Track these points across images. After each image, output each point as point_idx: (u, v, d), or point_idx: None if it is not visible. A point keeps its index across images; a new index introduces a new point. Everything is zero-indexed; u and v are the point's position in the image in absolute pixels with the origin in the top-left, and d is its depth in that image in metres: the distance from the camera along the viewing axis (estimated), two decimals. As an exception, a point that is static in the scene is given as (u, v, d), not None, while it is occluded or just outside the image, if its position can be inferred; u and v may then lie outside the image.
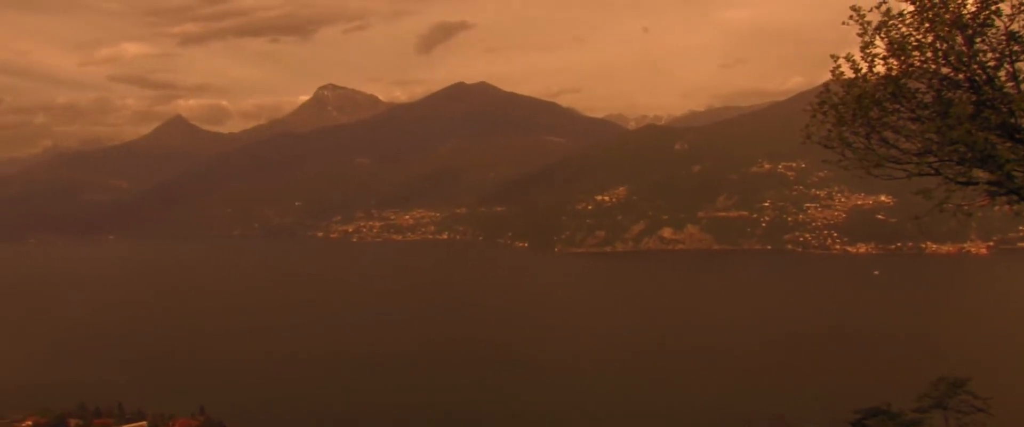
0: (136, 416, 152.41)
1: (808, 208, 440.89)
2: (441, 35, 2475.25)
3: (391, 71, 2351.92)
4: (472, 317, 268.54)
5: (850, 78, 14.04)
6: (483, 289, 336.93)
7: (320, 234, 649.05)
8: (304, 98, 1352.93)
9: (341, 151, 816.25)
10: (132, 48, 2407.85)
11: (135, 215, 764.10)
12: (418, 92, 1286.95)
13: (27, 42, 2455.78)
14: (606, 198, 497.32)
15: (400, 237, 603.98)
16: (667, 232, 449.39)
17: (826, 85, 14.52)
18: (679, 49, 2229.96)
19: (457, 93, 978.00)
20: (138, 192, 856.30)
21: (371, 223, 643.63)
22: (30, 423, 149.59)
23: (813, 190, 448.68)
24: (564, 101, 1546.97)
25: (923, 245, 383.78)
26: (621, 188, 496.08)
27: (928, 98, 13.58)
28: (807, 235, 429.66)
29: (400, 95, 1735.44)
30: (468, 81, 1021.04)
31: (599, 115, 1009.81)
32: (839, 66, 14.10)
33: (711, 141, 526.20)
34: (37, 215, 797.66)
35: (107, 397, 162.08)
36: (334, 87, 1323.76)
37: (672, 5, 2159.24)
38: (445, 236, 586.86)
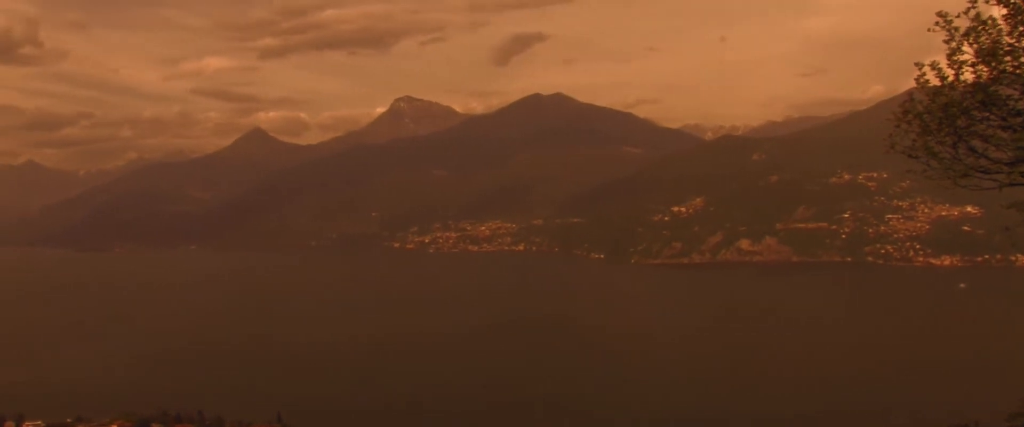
0: (215, 422, 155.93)
1: (890, 219, 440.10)
2: (517, 46, 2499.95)
3: (467, 83, 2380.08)
4: (558, 329, 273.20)
5: (936, 86, 14.25)
6: (566, 301, 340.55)
7: (396, 245, 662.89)
8: (381, 110, 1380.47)
9: (418, 162, 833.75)
10: (214, 62, 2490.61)
11: (216, 225, 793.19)
12: (494, 103, 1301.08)
13: (116, 58, 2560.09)
14: (683, 209, 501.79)
15: (476, 248, 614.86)
16: (745, 244, 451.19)
17: (910, 93, 14.86)
18: (757, 59, 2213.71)
19: (533, 104, 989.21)
20: (219, 203, 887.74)
21: (447, 234, 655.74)
22: (116, 426, 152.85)
23: (895, 201, 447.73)
24: (640, 112, 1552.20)
25: (1013, 258, 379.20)
26: (698, 199, 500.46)
27: (1021, 105, 13.69)
28: (889, 247, 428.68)
29: (476, 106, 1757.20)
30: (544, 92, 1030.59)
31: (675, 126, 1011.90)
32: (924, 74, 14.34)
33: (789, 151, 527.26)
34: (122, 225, 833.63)
35: (188, 403, 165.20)
36: (411, 99, 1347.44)
37: (750, 15, 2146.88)
38: (521, 247, 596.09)
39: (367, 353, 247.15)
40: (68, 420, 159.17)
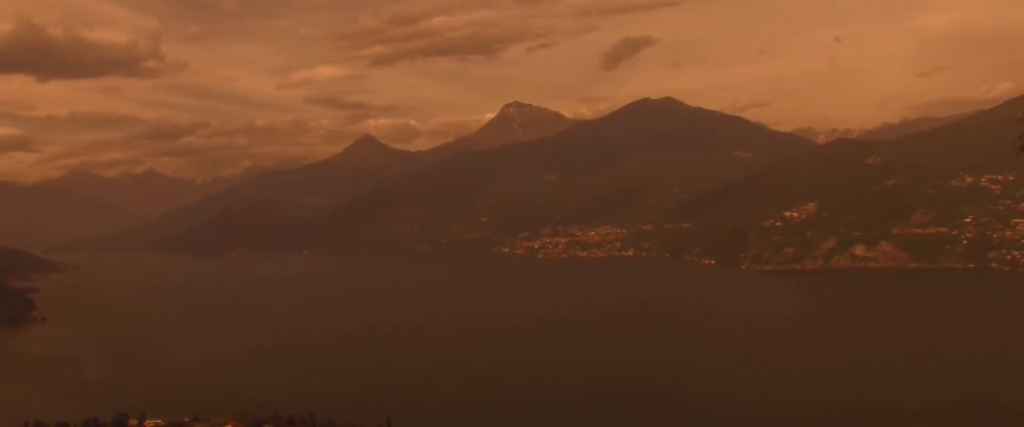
0: (326, 425, 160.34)
1: (1016, 223, 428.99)
2: (626, 51, 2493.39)
3: (576, 88, 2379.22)
4: (667, 329, 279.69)
5: None
6: (675, 304, 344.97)
7: (506, 250, 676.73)
8: (490, 116, 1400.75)
9: (527, 168, 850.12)
10: (326, 71, 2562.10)
11: (327, 231, 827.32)
12: (603, 108, 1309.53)
13: (232, 69, 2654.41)
14: (795, 214, 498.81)
15: (585, 254, 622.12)
16: (859, 249, 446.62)
17: None
18: (872, 59, 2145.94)
19: (642, 109, 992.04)
20: (330, 209, 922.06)
21: (557, 239, 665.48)
22: (230, 426, 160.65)
23: (1023, 204, 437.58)
24: (751, 115, 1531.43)
25: None
26: (810, 204, 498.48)
27: None
28: (1015, 253, 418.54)
29: (585, 112, 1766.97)
30: (653, 97, 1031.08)
31: (787, 129, 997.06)
32: None
33: (906, 154, 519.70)
34: (237, 231, 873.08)
35: (300, 405, 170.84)
36: (519, 105, 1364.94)
37: (864, 14, 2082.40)
38: (631, 253, 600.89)
39: (476, 351, 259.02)
40: (186, 419, 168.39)
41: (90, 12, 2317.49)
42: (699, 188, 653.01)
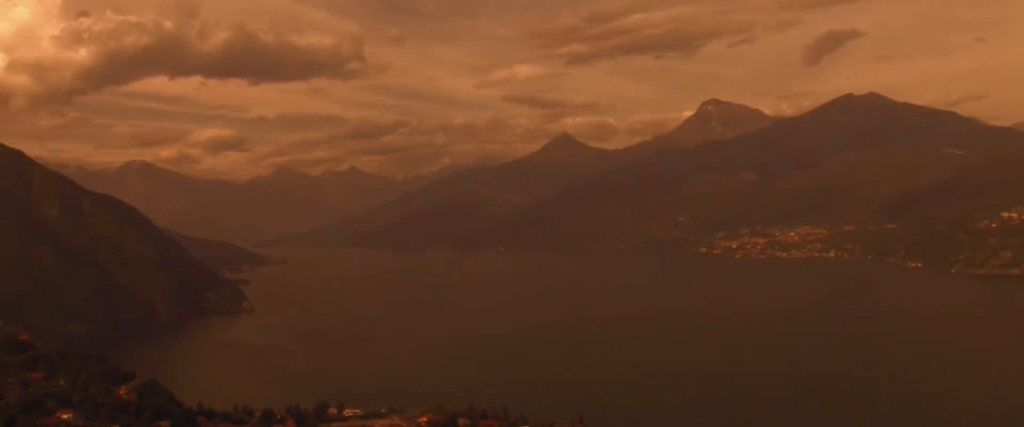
0: (520, 420, 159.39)
1: None
2: (829, 45, 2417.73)
3: (776, 84, 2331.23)
4: (878, 341, 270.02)
5: None
6: (882, 311, 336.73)
7: (703, 250, 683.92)
8: (688, 114, 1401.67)
9: (725, 166, 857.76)
10: (524, 70, 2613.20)
11: (524, 228, 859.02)
12: (805, 105, 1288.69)
13: (432, 69, 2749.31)
14: (1013, 215, 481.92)
15: (784, 254, 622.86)
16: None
17: None
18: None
19: (845, 105, 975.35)
20: (527, 206, 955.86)
21: (755, 240, 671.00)
22: (426, 419, 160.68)
23: None
24: (964, 110, 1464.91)
25: None
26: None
27: None
28: None
29: (786, 109, 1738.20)
30: (857, 92, 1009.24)
31: (1006, 123, 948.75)
32: None
33: None
34: (435, 227, 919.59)
35: (493, 400, 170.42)
36: (717, 102, 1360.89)
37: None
38: (832, 254, 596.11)
39: (672, 349, 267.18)
40: (383, 410, 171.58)
41: (298, 18, 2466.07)
42: (905, 187, 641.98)
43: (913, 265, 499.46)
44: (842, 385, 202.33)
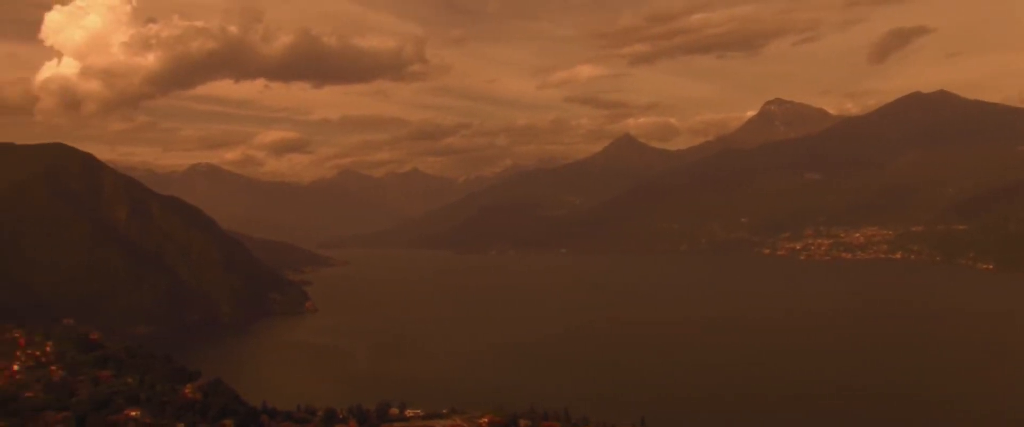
0: (581, 422, 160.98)
1: None
2: (896, 42, 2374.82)
3: (841, 83, 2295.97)
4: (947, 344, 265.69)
5: None
6: (950, 313, 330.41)
7: (767, 251, 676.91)
8: (751, 113, 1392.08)
9: (789, 166, 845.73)
10: (585, 70, 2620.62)
11: (586, 229, 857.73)
12: (870, 104, 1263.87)
13: (494, 71, 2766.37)
14: None
15: (850, 256, 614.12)
16: None
17: None
18: None
19: (913, 103, 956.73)
20: (589, 207, 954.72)
21: (820, 241, 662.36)
22: (487, 420, 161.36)
23: None
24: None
25: None
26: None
27: None
28: None
29: (851, 107, 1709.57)
30: (925, 90, 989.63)
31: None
32: None
33: None
34: (497, 228, 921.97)
35: (555, 401, 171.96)
36: (781, 101, 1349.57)
37: None
38: (898, 255, 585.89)
39: (733, 350, 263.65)
40: (444, 410, 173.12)
41: (360, 21, 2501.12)
42: (976, 187, 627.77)
43: (984, 267, 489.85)
44: (909, 390, 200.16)
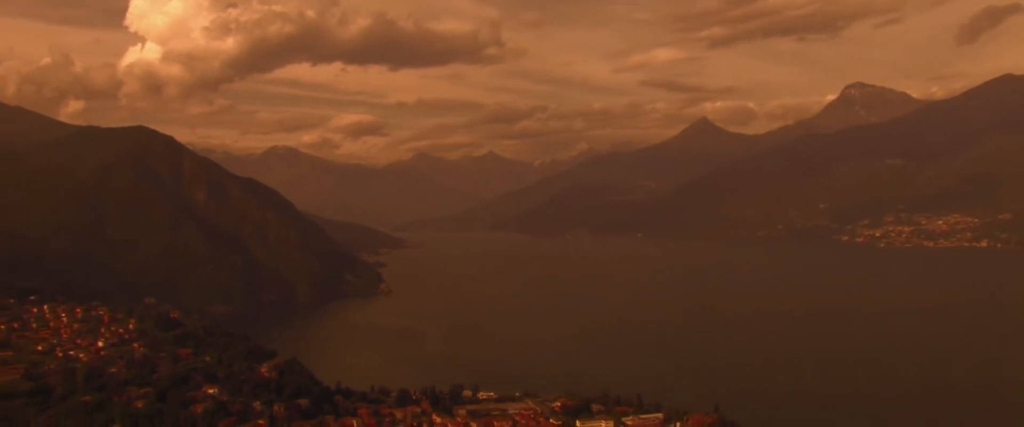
0: (653, 408, 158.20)
1: None
2: (987, 22, 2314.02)
3: (927, 65, 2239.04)
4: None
5: None
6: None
7: (845, 238, 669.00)
8: (831, 98, 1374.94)
9: (869, 152, 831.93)
10: (662, 54, 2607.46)
11: (661, 214, 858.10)
12: (958, 87, 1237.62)
13: (569, 54, 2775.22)
14: None
15: (932, 244, 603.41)
16: None
17: None
18: None
19: (1005, 86, 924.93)
20: (665, 192, 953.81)
21: (900, 228, 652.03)
22: (560, 404, 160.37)
23: None
24: None
25: None
26: None
27: None
28: None
29: (937, 91, 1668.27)
30: (1016, 72, 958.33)
31: None
32: None
33: None
34: (572, 212, 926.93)
35: (627, 387, 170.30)
36: (862, 85, 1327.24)
37: None
38: (985, 244, 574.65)
39: (807, 341, 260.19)
40: (517, 394, 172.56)
41: (436, 4, 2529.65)
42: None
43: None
44: (992, 387, 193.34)
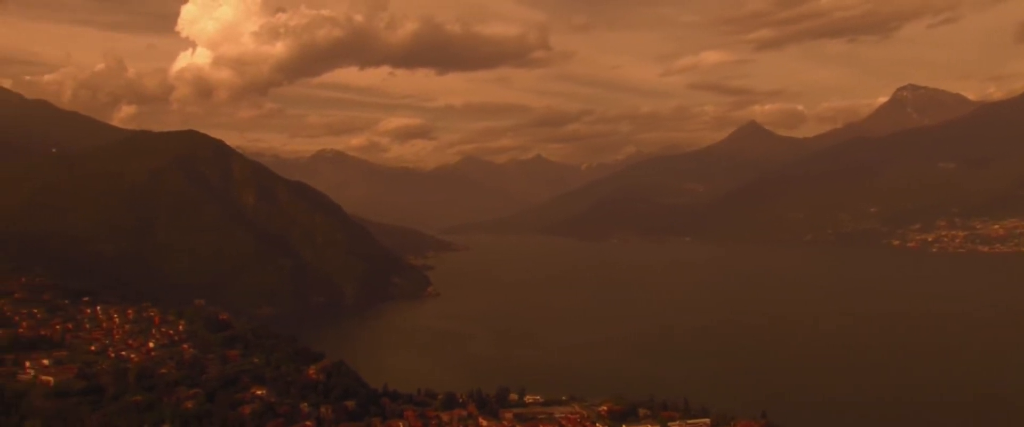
0: (700, 413, 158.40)
1: None
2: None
3: (983, 66, 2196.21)
4: None
5: None
6: None
7: (896, 242, 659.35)
8: (882, 100, 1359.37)
9: (921, 155, 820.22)
10: (710, 56, 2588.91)
11: (709, 218, 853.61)
12: (1016, 88, 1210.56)
13: (616, 57, 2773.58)
14: None
15: (987, 249, 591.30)
16: None
17: None
18: None
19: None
20: (713, 196, 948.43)
21: (954, 233, 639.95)
22: (606, 408, 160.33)
23: None
24: None
25: None
26: None
27: None
28: None
29: (994, 92, 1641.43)
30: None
31: None
32: None
33: None
34: (620, 216, 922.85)
35: (675, 392, 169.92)
36: (914, 87, 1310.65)
37: None
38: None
39: (856, 348, 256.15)
40: (563, 398, 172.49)
41: (484, 8, 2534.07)
42: None
43: None
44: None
